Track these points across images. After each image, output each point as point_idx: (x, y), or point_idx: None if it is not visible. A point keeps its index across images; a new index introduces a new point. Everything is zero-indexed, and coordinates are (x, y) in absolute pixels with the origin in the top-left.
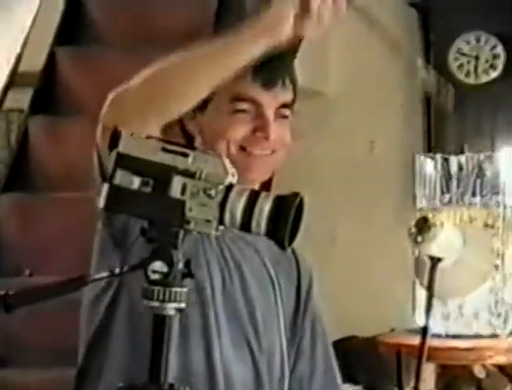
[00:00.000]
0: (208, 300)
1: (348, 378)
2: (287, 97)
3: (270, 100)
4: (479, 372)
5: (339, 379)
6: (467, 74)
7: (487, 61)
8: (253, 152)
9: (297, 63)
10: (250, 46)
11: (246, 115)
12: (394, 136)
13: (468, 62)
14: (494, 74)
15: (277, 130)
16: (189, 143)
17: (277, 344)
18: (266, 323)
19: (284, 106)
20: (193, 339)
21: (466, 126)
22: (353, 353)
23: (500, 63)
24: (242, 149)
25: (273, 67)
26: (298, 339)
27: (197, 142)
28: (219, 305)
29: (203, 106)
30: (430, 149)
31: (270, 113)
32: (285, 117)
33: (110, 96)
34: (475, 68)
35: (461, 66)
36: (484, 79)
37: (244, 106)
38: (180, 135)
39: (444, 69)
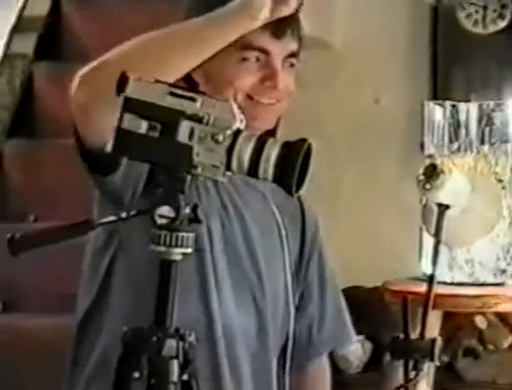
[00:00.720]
0: (206, 248)
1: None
2: (294, 46)
3: (279, 49)
4: (480, 322)
5: (350, 325)
6: (475, 23)
7: (495, 10)
8: (260, 101)
9: (305, 13)
10: (231, 27)
11: (254, 64)
12: (400, 85)
13: (476, 11)
14: (502, 24)
15: (284, 79)
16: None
17: (281, 290)
18: (269, 268)
19: (291, 55)
20: (190, 288)
21: (472, 76)
22: (358, 303)
23: (508, 13)
24: (249, 97)
25: (284, 19)
26: (305, 285)
27: (202, 89)
28: (217, 252)
29: None
30: (436, 99)
31: (278, 62)
32: (292, 66)
33: (81, 72)
34: (483, 18)
35: (469, 15)
36: (492, 28)
37: (253, 54)
38: (182, 83)
39: (452, 18)
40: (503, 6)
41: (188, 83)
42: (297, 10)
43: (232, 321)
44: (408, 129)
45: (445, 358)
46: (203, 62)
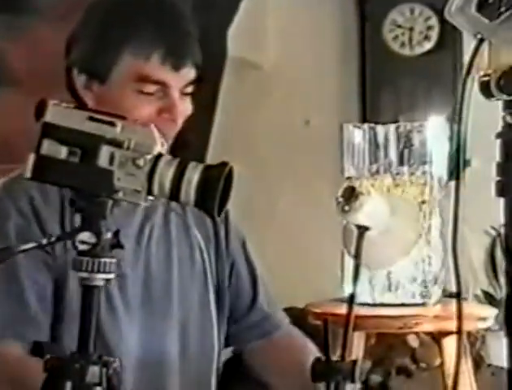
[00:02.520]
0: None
1: None
2: (192, 74)
3: (177, 81)
4: (412, 340)
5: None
6: (402, 45)
7: (421, 32)
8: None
9: (233, 34)
10: None
11: (152, 96)
12: (330, 106)
13: (403, 33)
14: (428, 45)
15: (182, 110)
16: None
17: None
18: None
19: (190, 83)
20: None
21: (400, 98)
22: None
23: (434, 34)
24: None
25: (185, 48)
26: (234, 288)
27: None
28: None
29: (103, 77)
30: (366, 120)
31: (176, 94)
32: (189, 93)
33: None
34: (410, 40)
35: (396, 37)
36: (419, 50)
37: (151, 88)
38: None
39: (379, 41)
40: (429, 28)
41: (78, 103)
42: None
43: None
44: (336, 150)
45: (378, 377)
46: (92, 84)
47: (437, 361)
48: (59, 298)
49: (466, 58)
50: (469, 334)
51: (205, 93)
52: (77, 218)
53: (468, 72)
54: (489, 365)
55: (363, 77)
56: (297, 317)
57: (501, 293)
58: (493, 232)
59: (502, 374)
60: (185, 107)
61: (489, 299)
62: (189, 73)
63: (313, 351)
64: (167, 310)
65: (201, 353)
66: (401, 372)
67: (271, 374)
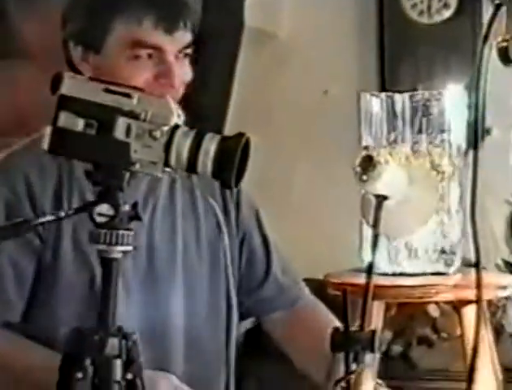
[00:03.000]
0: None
1: None
2: (188, 37)
3: (172, 45)
4: (433, 310)
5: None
6: (421, 13)
7: (440, 0)
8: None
9: (250, 5)
10: None
11: (147, 61)
12: (348, 75)
13: (421, 1)
14: (447, 13)
15: (180, 74)
16: None
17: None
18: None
19: (186, 46)
20: None
21: (419, 66)
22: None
23: (453, 2)
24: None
25: (177, 12)
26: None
27: None
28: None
29: (97, 47)
30: (385, 89)
31: (172, 58)
32: (187, 55)
33: None
34: (429, 8)
35: (414, 5)
36: (438, 18)
37: (146, 52)
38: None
39: (398, 8)
40: None
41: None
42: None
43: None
44: (354, 120)
45: (399, 348)
46: (88, 55)
47: (458, 331)
48: (47, 277)
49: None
50: (489, 303)
51: (222, 64)
52: (75, 198)
53: (486, 39)
54: (511, 334)
55: (382, 46)
56: (316, 288)
57: None
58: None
59: None
60: (183, 71)
61: (510, 268)
62: (184, 36)
63: (334, 322)
64: (172, 280)
65: (209, 324)
66: (422, 342)
67: (290, 346)
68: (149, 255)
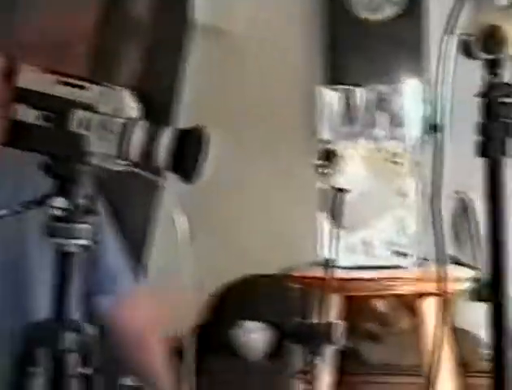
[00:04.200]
0: None
1: (253, 316)
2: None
3: None
4: (379, 305)
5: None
6: (368, 9)
7: None
8: None
9: (199, 3)
10: None
11: None
12: (302, 72)
13: None
14: (396, 9)
15: None
16: None
17: None
18: None
19: None
20: None
21: (366, 62)
22: (259, 291)
23: None
24: None
25: None
26: None
27: None
28: None
29: None
30: (333, 84)
31: None
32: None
33: None
34: (376, 4)
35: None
36: (386, 14)
37: None
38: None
39: (345, 4)
40: None
41: None
42: None
43: None
44: (307, 114)
45: (349, 343)
46: None
47: (406, 325)
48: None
49: (432, 22)
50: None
51: (166, 60)
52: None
53: (447, 32)
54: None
55: (331, 41)
56: (276, 281)
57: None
58: (456, 196)
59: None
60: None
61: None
62: None
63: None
64: None
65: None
66: (370, 337)
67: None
68: None
